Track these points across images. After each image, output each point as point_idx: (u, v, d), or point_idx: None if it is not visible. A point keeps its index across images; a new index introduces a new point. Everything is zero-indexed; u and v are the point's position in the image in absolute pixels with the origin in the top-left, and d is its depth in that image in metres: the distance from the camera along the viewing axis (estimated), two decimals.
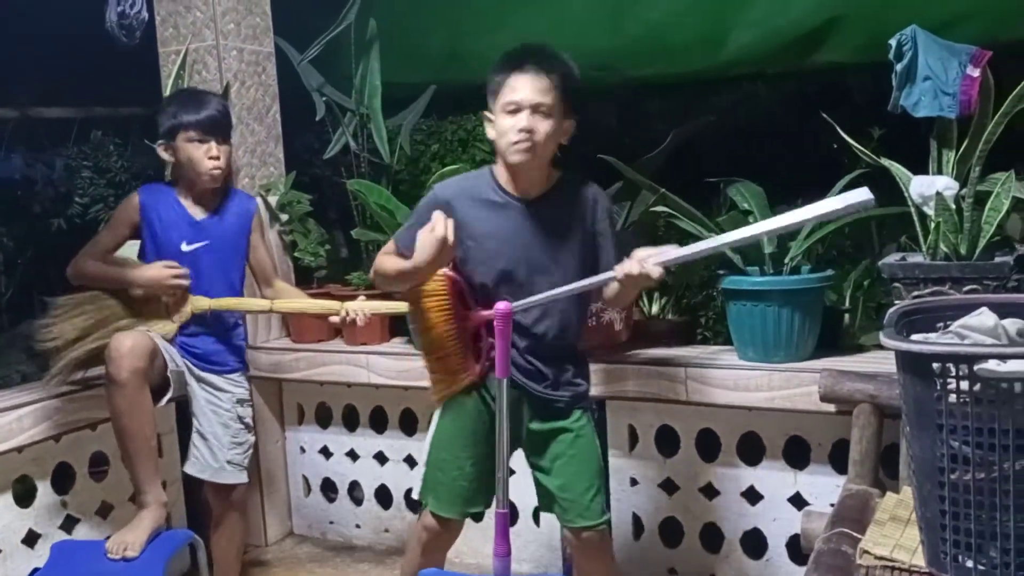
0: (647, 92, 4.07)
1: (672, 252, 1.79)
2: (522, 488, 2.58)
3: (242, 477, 2.47)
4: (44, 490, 2.49)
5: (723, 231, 2.36)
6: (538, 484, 2.04)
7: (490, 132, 1.93)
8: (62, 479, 2.56)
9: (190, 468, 2.45)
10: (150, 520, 2.18)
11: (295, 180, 3.14)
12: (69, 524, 2.55)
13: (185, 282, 2.37)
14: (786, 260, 2.34)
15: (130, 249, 2.54)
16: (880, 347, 2.41)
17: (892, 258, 2.17)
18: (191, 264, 2.41)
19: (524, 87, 1.84)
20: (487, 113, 1.94)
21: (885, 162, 2.21)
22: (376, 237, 2.95)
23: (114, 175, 3.72)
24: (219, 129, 2.40)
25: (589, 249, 1.97)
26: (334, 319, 2.41)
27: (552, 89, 1.84)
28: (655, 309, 2.82)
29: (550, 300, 1.88)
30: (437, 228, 1.77)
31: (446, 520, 2.01)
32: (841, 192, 2.34)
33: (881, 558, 1.61)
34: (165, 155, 2.47)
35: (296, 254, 3.11)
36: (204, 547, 2.24)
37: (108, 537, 2.19)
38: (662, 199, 2.38)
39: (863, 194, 1.58)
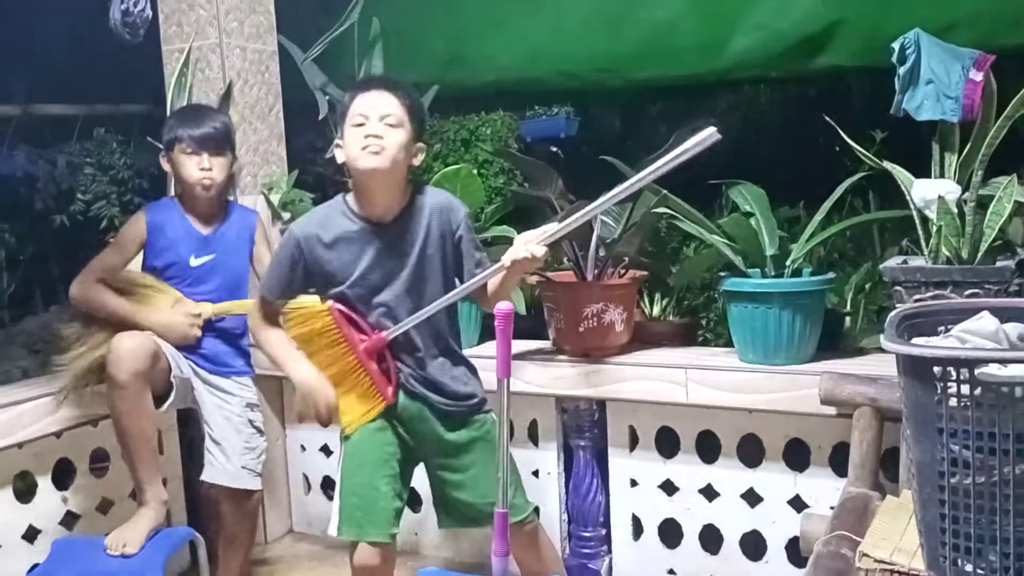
0: (649, 95, 4.08)
1: (552, 227, 1.84)
2: None
3: (257, 483, 2.45)
4: (44, 486, 2.49)
5: (724, 233, 2.37)
6: (450, 500, 2.03)
7: (340, 156, 1.93)
8: (63, 475, 2.56)
9: (208, 476, 2.42)
10: (150, 517, 2.18)
11: (297, 179, 3.14)
12: (69, 520, 2.55)
13: (197, 332, 2.37)
14: (787, 262, 2.34)
15: None
16: (881, 350, 2.41)
17: (894, 261, 2.17)
18: (200, 277, 2.43)
19: (371, 101, 1.88)
20: (337, 140, 1.94)
21: (887, 165, 2.22)
22: None
23: (117, 172, 3.72)
24: (212, 142, 2.40)
25: (451, 257, 1.97)
26: None
27: (399, 105, 1.88)
28: (656, 311, 2.83)
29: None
30: (323, 416, 1.92)
31: (376, 547, 1.92)
32: (844, 193, 2.37)
33: (880, 561, 1.62)
34: (166, 167, 2.51)
35: None
36: (204, 545, 2.23)
37: (108, 534, 2.19)
38: (663, 201, 2.38)
39: (710, 133, 1.65)
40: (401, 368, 1.96)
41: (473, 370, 2.06)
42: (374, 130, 1.85)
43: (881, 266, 2.16)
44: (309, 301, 1.95)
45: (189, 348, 2.44)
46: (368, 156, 1.85)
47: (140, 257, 2.49)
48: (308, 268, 1.94)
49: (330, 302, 1.93)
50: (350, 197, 1.96)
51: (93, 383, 2.40)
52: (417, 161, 1.95)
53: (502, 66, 3.56)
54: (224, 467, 2.40)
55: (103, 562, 2.06)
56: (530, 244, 1.80)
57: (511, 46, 3.50)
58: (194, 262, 2.43)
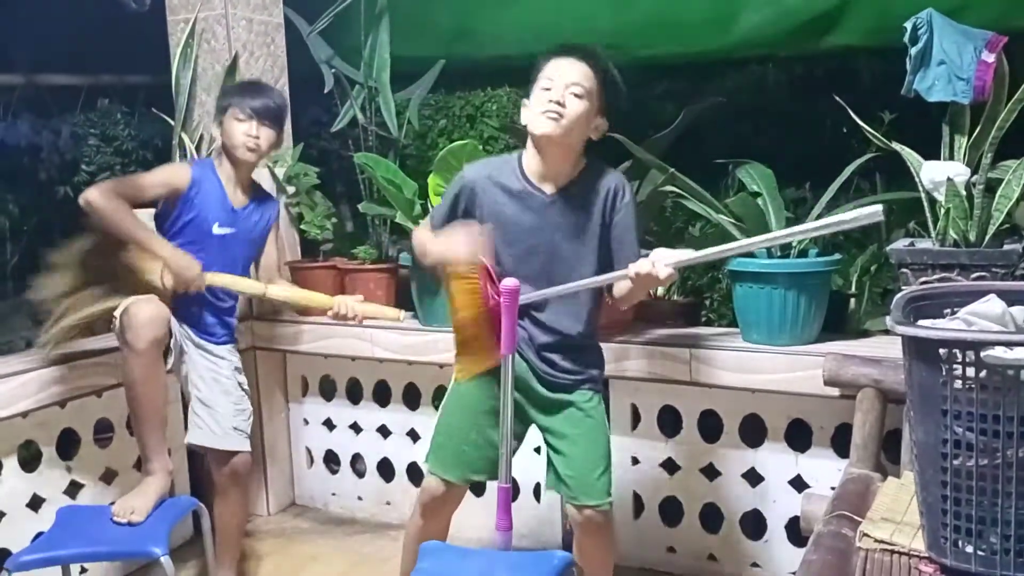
0: (655, 72, 4.05)
1: (686, 254, 1.81)
2: (524, 464, 2.60)
3: (245, 445, 2.47)
4: (49, 455, 2.51)
5: (731, 212, 2.36)
6: (549, 461, 2.05)
7: (524, 116, 1.93)
8: (67, 445, 2.57)
9: (193, 438, 2.43)
10: (156, 486, 2.19)
11: (302, 152, 3.13)
12: (73, 489, 2.57)
13: (200, 286, 2.34)
14: (793, 243, 2.33)
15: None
16: (885, 332, 2.44)
17: (900, 243, 2.16)
18: (216, 246, 2.42)
19: (562, 67, 1.87)
20: (525, 100, 1.94)
21: (896, 146, 2.20)
22: (383, 211, 2.95)
23: (121, 143, 3.73)
24: (264, 112, 2.41)
25: (605, 243, 1.97)
26: (331, 314, 2.40)
27: (590, 76, 1.87)
28: (660, 290, 2.82)
29: (565, 294, 1.91)
30: (470, 243, 1.83)
31: (447, 484, 2.03)
32: (851, 175, 2.36)
33: (881, 541, 1.62)
34: (216, 133, 2.49)
35: (302, 227, 3.11)
36: (208, 515, 2.24)
37: (113, 502, 2.21)
38: (671, 179, 2.37)
39: (875, 212, 1.59)
40: (522, 329, 1.95)
41: (598, 356, 2.08)
42: (557, 96, 1.85)
43: (888, 248, 2.15)
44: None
45: (182, 315, 2.44)
46: (545, 120, 1.85)
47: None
48: (467, 211, 1.97)
49: (476, 265, 1.91)
50: (525, 156, 1.96)
51: (77, 336, 2.41)
52: (596, 135, 1.94)
53: (508, 41, 3.54)
54: (211, 429, 2.41)
55: (108, 530, 2.07)
56: (658, 263, 1.77)
57: (517, 21, 3.48)
58: (216, 230, 2.42)
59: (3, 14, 3.77)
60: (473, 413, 2.02)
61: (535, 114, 1.87)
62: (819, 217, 2.34)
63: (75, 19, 3.77)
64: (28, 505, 2.45)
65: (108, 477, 2.66)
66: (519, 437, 2.08)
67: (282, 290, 2.51)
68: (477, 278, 1.91)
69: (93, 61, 4.02)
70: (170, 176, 2.43)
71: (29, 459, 2.48)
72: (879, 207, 1.59)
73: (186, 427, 2.86)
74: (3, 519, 2.39)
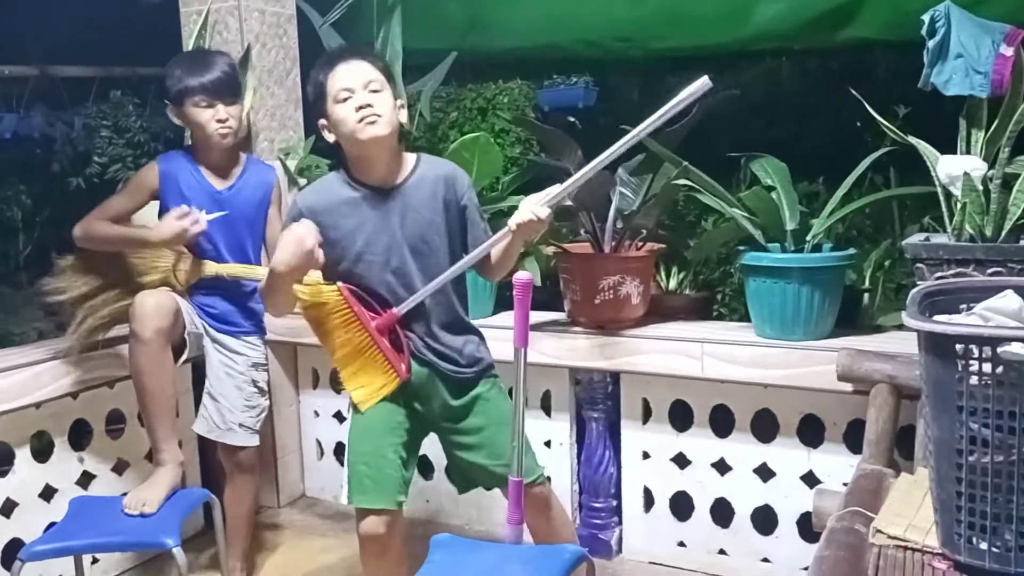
0: (668, 65, 4.02)
1: (555, 189, 1.84)
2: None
3: (253, 440, 2.47)
4: (61, 446, 2.52)
5: (745, 207, 2.35)
6: (464, 464, 2.03)
7: (329, 136, 1.91)
8: (79, 435, 2.58)
9: (198, 427, 2.46)
10: (168, 478, 2.20)
11: (313, 144, 3.13)
12: (85, 480, 2.58)
13: (202, 226, 2.31)
14: (808, 237, 2.32)
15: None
16: (899, 328, 2.42)
17: (916, 238, 2.15)
18: (210, 234, 2.39)
19: (350, 72, 1.86)
20: (322, 121, 1.91)
21: (912, 140, 2.18)
22: None
23: (133, 135, 3.72)
24: (225, 90, 2.35)
25: (457, 226, 1.96)
26: None
27: (375, 69, 1.88)
28: (672, 284, 2.82)
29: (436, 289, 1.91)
30: (307, 240, 1.79)
31: (383, 515, 1.93)
32: (867, 169, 2.34)
33: (894, 538, 1.62)
34: (176, 120, 2.44)
35: None
36: (220, 506, 2.25)
37: (125, 493, 2.22)
38: (684, 172, 2.36)
39: (703, 82, 1.71)
40: (411, 338, 1.95)
41: (481, 337, 2.05)
42: (364, 99, 1.84)
43: (903, 243, 2.13)
44: (319, 281, 1.94)
45: (200, 307, 2.45)
46: (367, 127, 1.83)
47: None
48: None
49: (339, 283, 1.92)
50: (351, 169, 1.94)
51: (102, 338, 2.42)
52: (403, 118, 1.94)
53: (521, 33, 3.53)
54: (215, 423, 2.43)
55: (120, 521, 2.07)
56: (534, 206, 1.79)
57: (531, 13, 3.46)
58: (206, 216, 2.38)
59: (17, 6, 3.78)
60: (381, 432, 1.96)
61: (352, 125, 1.84)
62: (832, 214, 2.33)
63: (87, 11, 3.77)
64: (40, 495, 2.47)
65: (120, 468, 2.67)
66: (414, 452, 2.04)
67: None
68: (345, 307, 1.90)
69: (105, 53, 4.03)
70: (139, 180, 2.44)
71: (41, 449, 2.49)
72: (705, 78, 1.70)
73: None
74: (16, 509, 2.41)
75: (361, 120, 1.83)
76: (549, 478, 2.09)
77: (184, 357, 2.39)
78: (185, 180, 2.41)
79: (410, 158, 1.97)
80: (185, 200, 2.39)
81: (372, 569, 1.98)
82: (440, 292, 1.93)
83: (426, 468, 2.92)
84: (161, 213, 2.43)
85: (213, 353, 2.46)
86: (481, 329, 2.07)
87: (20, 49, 4.06)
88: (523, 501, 1.86)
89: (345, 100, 1.84)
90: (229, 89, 2.37)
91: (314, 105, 1.93)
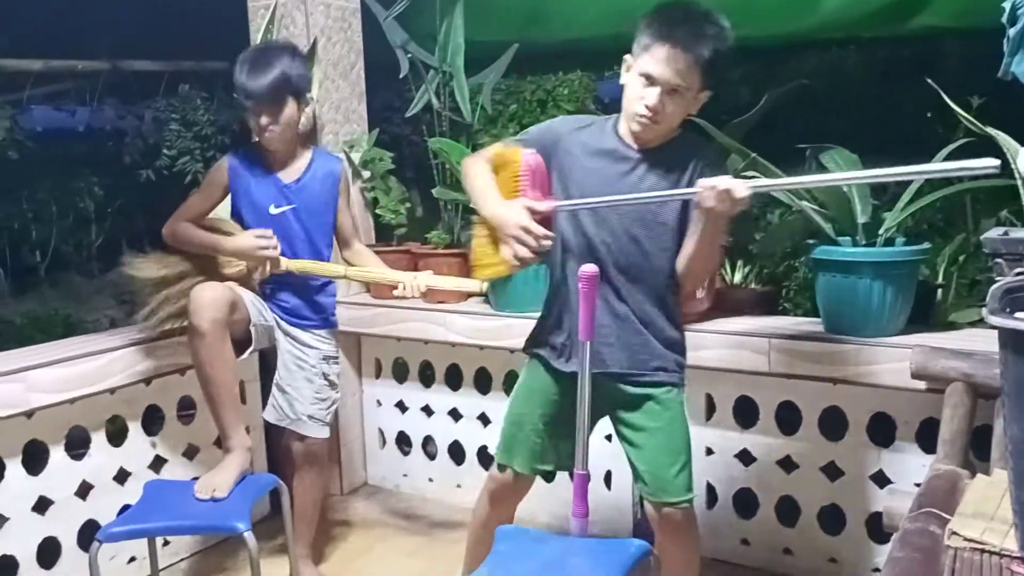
0: (734, 55, 3.96)
1: (763, 181, 1.77)
2: (595, 451, 2.58)
3: (323, 432, 2.51)
4: (135, 430, 2.59)
5: (814, 198, 2.30)
6: (627, 457, 2.01)
7: (624, 77, 1.85)
8: (151, 421, 2.65)
9: (268, 415, 2.52)
10: (237, 463, 2.24)
11: (376, 138, 3.16)
12: (157, 464, 2.66)
13: (273, 253, 2.37)
14: (880, 231, 2.26)
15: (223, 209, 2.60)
16: (974, 324, 2.36)
17: (994, 232, 2.07)
18: (279, 226, 2.42)
19: (666, 64, 1.74)
20: (627, 56, 1.84)
21: (991, 131, 2.11)
22: (456, 196, 2.96)
23: (200, 128, 3.80)
24: (268, 98, 2.33)
25: (683, 215, 1.87)
26: (395, 292, 2.38)
27: (695, 68, 1.75)
28: (738, 278, 2.77)
29: (634, 258, 1.85)
30: (532, 243, 1.75)
31: (515, 474, 2.01)
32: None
33: (971, 540, 1.57)
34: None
35: (377, 211, 3.14)
36: (287, 492, 2.29)
37: (196, 478, 2.27)
38: (753, 164, 2.32)
39: (991, 163, 1.51)
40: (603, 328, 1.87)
41: (679, 347, 1.96)
42: (655, 102, 1.76)
43: (982, 237, 2.06)
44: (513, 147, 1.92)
45: (273, 301, 2.49)
46: (639, 125, 1.81)
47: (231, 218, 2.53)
48: (545, 148, 1.89)
49: (532, 152, 1.87)
50: (622, 118, 1.88)
51: (174, 327, 2.45)
52: (695, 110, 1.86)
53: (582, 24, 3.51)
54: (284, 412, 2.47)
55: (193, 505, 2.12)
56: (736, 184, 1.66)
57: (593, 3, 3.44)
58: (273, 211, 2.43)
59: (89, 2, 3.88)
60: (539, 401, 1.99)
61: (631, 111, 1.81)
62: (907, 207, 2.27)
63: (157, 6, 3.86)
64: (115, 478, 2.54)
65: (190, 453, 2.74)
66: (589, 428, 2.01)
67: (360, 271, 2.51)
68: (519, 174, 1.84)
69: (175, 48, 4.12)
70: (212, 177, 2.49)
71: (116, 434, 2.56)
72: (995, 160, 1.49)
73: (263, 405, 2.94)
74: (92, 492, 2.49)
75: (640, 116, 1.79)
76: (692, 501, 1.95)
77: (251, 349, 2.42)
78: (254, 174, 2.45)
79: (676, 131, 1.88)
80: (253, 193, 2.44)
81: (483, 515, 2.08)
82: (649, 287, 1.87)
83: (487, 459, 2.93)
84: (232, 207, 2.48)
85: (285, 345, 2.50)
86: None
87: (92, 44, 4.17)
88: (657, 520, 1.90)
89: (643, 82, 1.78)
90: (272, 97, 2.34)
91: (635, 40, 1.81)
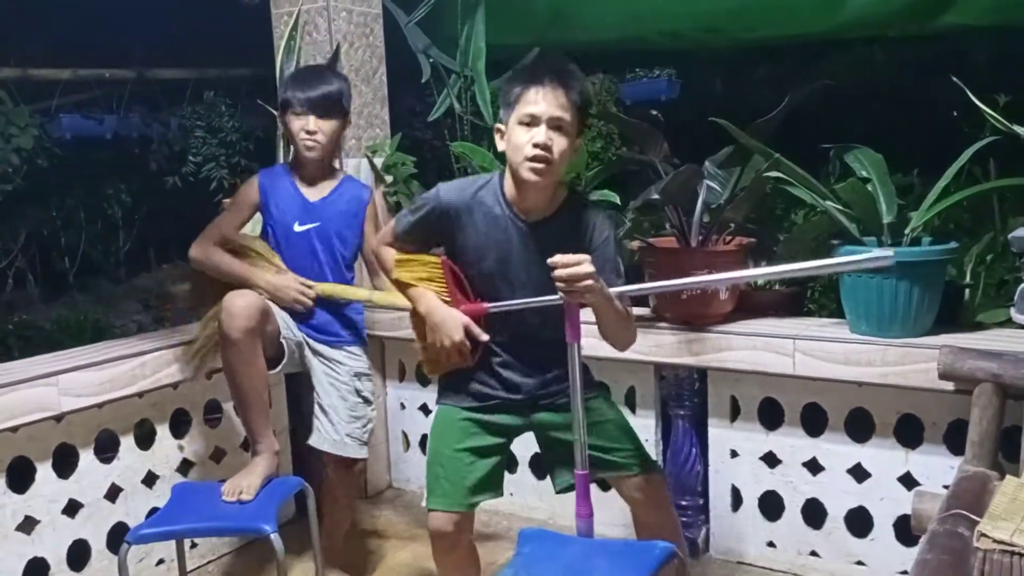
0: (755, 56, 3.95)
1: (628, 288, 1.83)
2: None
3: (362, 452, 2.48)
4: (163, 434, 2.62)
5: (839, 199, 2.28)
6: (555, 461, 2.00)
7: (500, 144, 1.85)
8: (179, 424, 2.68)
9: (314, 441, 2.47)
10: (264, 466, 2.25)
11: (399, 142, 3.17)
12: (185, 467, 2.68)
13: (307, 304, 2.41)
14: (906, 231, 2.24)
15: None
16: (1003, 324, 2.33)
17: (1022, 231, 2.06)
18: (302, 243, 2.44)
19: (543, 100, 1.75)
20: (499, 125, 1.86)
21: (1018, 129, 2.09)
22: None
23: (225, 135, 3.85)
24: (321, 105, 2.37)
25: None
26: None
27: (571, 106, 1.77)
28: (761, 280, 2.75)
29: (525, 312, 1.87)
30: (462, 352, 1.86)
31: (448, 517, 1.90)
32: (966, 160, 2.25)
33: (1000, 542, 1.55)
34: (281, 127, 2.53)
35: None
36: (313, 495, 2.30)
37: (223, 480, 2.29)
38: (776, 164, 2.30)
39: (886, 256, 1.65)
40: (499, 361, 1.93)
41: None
42: (543, 138, 1.75)
43: (1009, 236, 2.05)
44: (423, 255, 1.96)
45: (297, 317, 2.47)
46: (532, 170, 1.77)
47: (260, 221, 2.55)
48: (440, 231, 1.92)
49: (443, 256, 1.92)
50: (505, 182, 1.87)
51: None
52: (575, 158, 1.88)
53: (604, 26, 3.51)
54: (329, 435, 2.44)
55: (220, 507, 2.14)
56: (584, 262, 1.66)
57: (613, 5, 3.44)
58: (297, 228, 2.44)
59: (115, 11, 3.94)
60: (458, 436, 1.95)
61: (520, 158, 1.77)
62: (933, 206, 2.25)
63: (182, 15, 3.91)
64: (143, 481, 2.57)
65: (217, 456, 2.77)
66: (506, 447, 2.02)
67: (387, 296, 2.46)
68: (443, 280, 1.90)
69: (199, 55, 4.17)
70: (242, 195, 2.50)
71: (144, 437, 2.59)
72: (891, 252, 1.66)
73: (289, 409, 2.96)
74: (121, 494, 2.52)
75: (529, 159, 1.76)
76: (651, 464, 2.01)
77: (283, 364, 2.40)
78: (281, 192, 2.46)
79: (562, 192, 1.89)
80: (279, 210, 2.45)
81: (441, 565, 2.00)
82: (534, 324, 1.89)
83: (510, 462, 2.93)
84: (263, 222, 2.50)
85: (316, 364, 2.49)
86: None
87: (119, 53, 4.24)
88: (626, 491, 1.93)
89: (527, 125, 1.77)
90: (326, 105, 2.38)
91: (500, 103, 1.85)
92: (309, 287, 2.41)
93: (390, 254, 2.02)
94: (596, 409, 1.96)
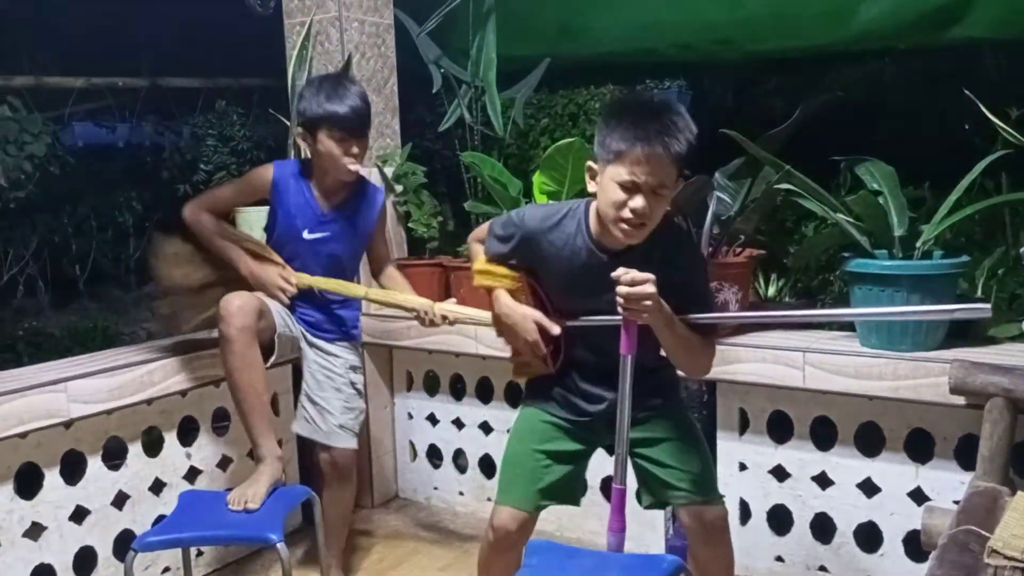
0: (766, 68, 3.95)
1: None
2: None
3: (352, 442, 2.51)
4: (170, 441, 2.63)
5: (850, 211, 2.28)
6: (648, 477, 1.95)
7: (591, 186, 1.77)
8: (186, 432, 2.68)
9: (298, 428, 2.51)
10: (268, 474, 2.24)
11: (409, 152, 3.18)
12: (192, 475, 2.68)
13: (284, 299, 2.41)
14: (917, 244, 2.23)
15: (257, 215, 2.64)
16: (1014, 339, 2.31)
17: None
18: (309, 249, 2.44)
19: (649, 168, 1.65)
20: (591, 163, 1.77)
21: None
22: (488, 209, 2.97)
23: (237, 144, 3.87)
24: (360, 126, 2.35)
25: (675, 298, 1.75)
26: (419, 318, 2.39)
27: (673, 165, 1.67)
28: (772, 291, 2.75)
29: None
30: (540, 348, 1.86)
31: (515, 515, 1.91)
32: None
33: (1011, 558, 1.54)
34: (303, 142, 2.47)
35: (409, 225, 3.16)
36: (319, 504, 2.29)
37: (230, 488, 2.29)
38: (787, 176, 2.30)
39: (982, 307, 1.58)
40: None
41: (669, 388, 1.97)
42: (642, 206, 1.67)
43: (1022, 250, 2.04)
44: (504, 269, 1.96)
45: (299, 314, 2.50)
46: (626, 233, 1.71)
47: (265, 229, 2.55)
48: (523, 255, 1.91)
49: (523, 275, 1.92)
50: (592, 217, 1.81)
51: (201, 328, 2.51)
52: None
53: (614, 38, 3.52)
54: (316, 425, 2.47)
55: (227, 516, 2.13)
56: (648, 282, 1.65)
57: (624, 17, 3.45)
58: (307, 236, 2.44)
59: (128, 20, 3.97)
60: (537, 439, 1.95)
61: (614, 214, 1.69)
62: (944, 219, 2.23)
63: (195, 24, 3.94)
64: (151, 489, 2.58)
65: (224, 464, 2.77)
66: (584, 457, 2.01)
67: (381, 293, 2.51)
68: (522, 297, 1.92)
69: (212, 64, 4.20)
70: (253, 178, 2.48)
71: (152, 444, 2.60)
72: (988, 306, 1.56)
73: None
74: (128, 502, 2.52)
75: (626, 221, 1.69)
76: (713, 498, 1.92)
77: (272, 359, 2.41)
78: (294, 196, 2.44)
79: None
80: (290, 215, 2.44)
81: (484, 558, 2.01)
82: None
83: None
84: (269, 219, 2.50)
85: (312, 356, 2.51)
86: None
87: (132, 62, 4.27)
88: (689, 523, 1.88)
89: (626, 186, 1.67)
90: (363, 124, 2.36)
91: (596, 143, 1.74)
92: (291, 280, 2.40)
93: (477, 251, 2.03)
94: (662, 425, 1.92)
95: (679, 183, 1.76)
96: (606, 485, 2.78)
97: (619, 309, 1.68)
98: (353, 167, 2.37)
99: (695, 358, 1.85)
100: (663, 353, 1.88)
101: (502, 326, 1.96)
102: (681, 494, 1.90)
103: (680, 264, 1.80)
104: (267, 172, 2.47)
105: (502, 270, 1.95)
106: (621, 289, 1.65)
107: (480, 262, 1.99)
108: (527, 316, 1.89)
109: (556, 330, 1.88)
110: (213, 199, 2.48)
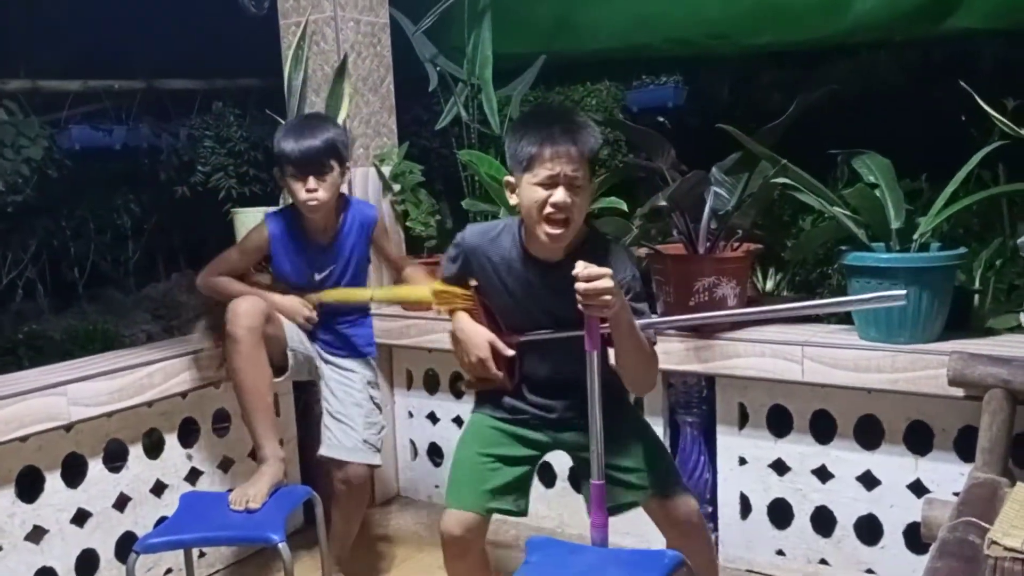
0: (761, 61, 3.95)
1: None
2: None
3: (375, 458, 2.48)
4: (171, 443, 2.63)
5: (847, 204, 2.28)
6: (609, 482, 1.89)
7: (512, 199, 1.84)
8: (187, 433, 2.69)
9: (325, 450, 2.46)
10: (270, 474, 2.25)
11: (406, 151, 3.18)
12: (193, 476, 2.69)
13: (309, 326, 2.45)
14: (915, 236, 2.23)
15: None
16: (1013, 330, 2.31)
17: None
18: (321, 287, 2.46)
19: (559, 161, 1.73)
20: (509, 178, 1.84)
21: None
22: (486, 207, 2.98)
23: (234, 145, 3.87)
24: (315, 164, 2.30)
25: None
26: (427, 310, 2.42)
27: (584, 160, 1.75)
28: (770, 285, 2.76)
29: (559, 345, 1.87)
30: (490, 367, 1.89)
31: (460, 517, 1.91)
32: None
33: (1011, 550, 1.54)
34: (280, 181, 2.47)
35: (407, 224, 3.16)
36: (321, 504, 2.30)
37: (231, 490, 2.29)
38: (783, 171, 2.30)
39: (899, 295, 1.70)
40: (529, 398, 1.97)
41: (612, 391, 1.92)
42: (562, 198, 1.73)
43: (1019, 241, 2.04)
44: (456, 289, 2.01)
45: (310, 334, 2.50)
46: (551, 230, 1.76)
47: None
48: (469, 272, 1.96)
49: (473, 291, 1.97)
50: (525, 229, 1.87)
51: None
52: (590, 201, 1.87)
53: (610, 33, 3.52)
54: (342, 442, 2.44)
55: (228, 516, 2.13)
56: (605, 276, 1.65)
57: (619, 12, 3.45)
58: (317, 278, 2.45)
59: (124, 22, 3.97)
60: (483, 444, 1.97)
61: (537, 216, 1.76)
62: (941, 211, 2.24)
63: (191, 26, 3.94)
64: (152, 490, 2.58)
65: (225, 465, 2.77)
66: (531, 463, 2.02)
67: (386, 291, 2.55)
68: (475, 315, 1.96)
69: (208, 66, 4.20)
70: (252, 240, 2.48)
71: (152, 446, 2.60)
72: (903, 291, 1.67)
73: (298, 419, 2.97)
74: (129, 503, 2.52)
75: (550, 216, 1.75)
76: (668, 491, 1.95)
77: (287, 374, 2.44)
78: (292, 241, 2.45)
79: (583, 230, 1.86)
80: (294, 263, 2.45)
81: (453, 573, 1.99)
82: (566, 355, 1.86)
83: None
84: (275, 269, 2.50)
85: (329, 374, 2.50)
86: None
87: (128, 64, 4.27)
88: (663, 518, 1.92)
89: (542, 185, 1.74)
90: (320, 162, 2.31)
91: (508, 156, 1.82)
92: (311, 304, 2.44)
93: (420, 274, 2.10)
94: (617, 426, 1.92)
95: (593, 183, 1.82)
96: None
97: (580, 306, 1.68)
98: (313, 202, 2.33)
99: (648, 366, 1.86)
100: (611, 362, 1.86)
101: (456, 344, 2.00)
102: (643, 493, 1.92)
103: (615, 268, 1.79)
104: (263, 230, 2.46)
105: (456, 290, 2.00)
106: (579, 285, 1.65)
107: (437, 283, 2.04)
108: (480, 334, 1.93)
109: (509, 352, 1.92)
110: (220, 266, 2.47)
